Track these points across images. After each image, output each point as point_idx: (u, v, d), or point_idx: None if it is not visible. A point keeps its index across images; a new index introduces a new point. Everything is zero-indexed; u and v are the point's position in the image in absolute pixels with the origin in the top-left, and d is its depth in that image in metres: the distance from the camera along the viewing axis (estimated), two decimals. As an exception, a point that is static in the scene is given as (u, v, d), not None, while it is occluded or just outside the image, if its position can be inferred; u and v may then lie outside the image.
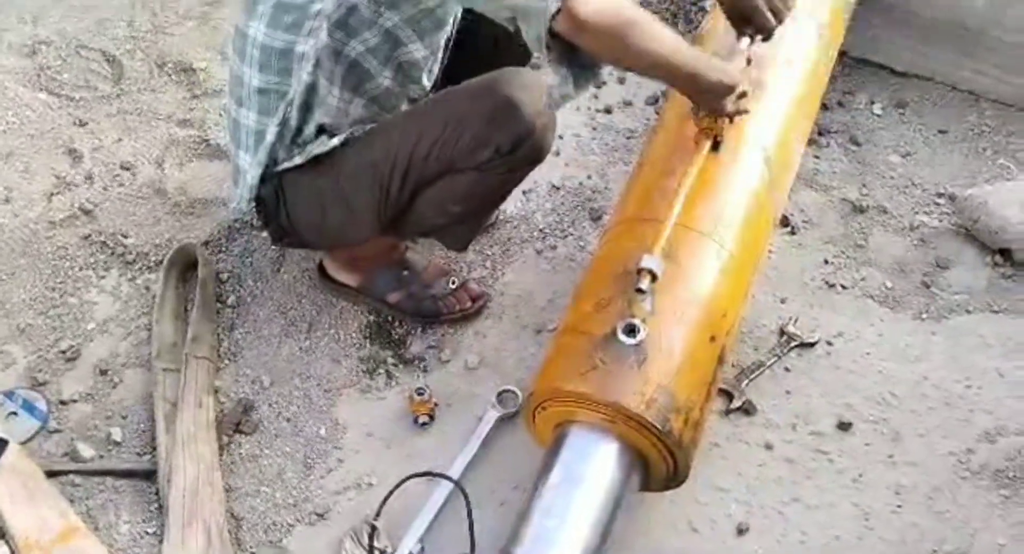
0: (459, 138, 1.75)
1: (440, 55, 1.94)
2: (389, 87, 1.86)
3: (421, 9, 1.75)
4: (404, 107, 1.92)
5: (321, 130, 1.84)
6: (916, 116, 2.59)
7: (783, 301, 2.20)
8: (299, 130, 1.84)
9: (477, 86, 1.77)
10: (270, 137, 1.82)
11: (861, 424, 1.99)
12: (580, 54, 1.62)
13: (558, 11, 1.49)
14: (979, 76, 2.60)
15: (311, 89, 1.78)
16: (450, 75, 1.98)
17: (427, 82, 1.94)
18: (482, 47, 2.03)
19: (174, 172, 2.45)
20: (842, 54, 2.46)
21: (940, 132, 2.55)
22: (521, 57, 2.10)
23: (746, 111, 1.79)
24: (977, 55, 2.56)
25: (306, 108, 1.81)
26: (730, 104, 1.74)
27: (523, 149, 1.77)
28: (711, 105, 1.75)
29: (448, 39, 1.93)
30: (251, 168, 1.87)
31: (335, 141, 1.82)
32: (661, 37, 1.60)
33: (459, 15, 1.93)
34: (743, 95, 1.75)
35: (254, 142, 1.86)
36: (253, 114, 1.84)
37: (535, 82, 1.74)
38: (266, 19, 1.74)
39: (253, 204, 1.93)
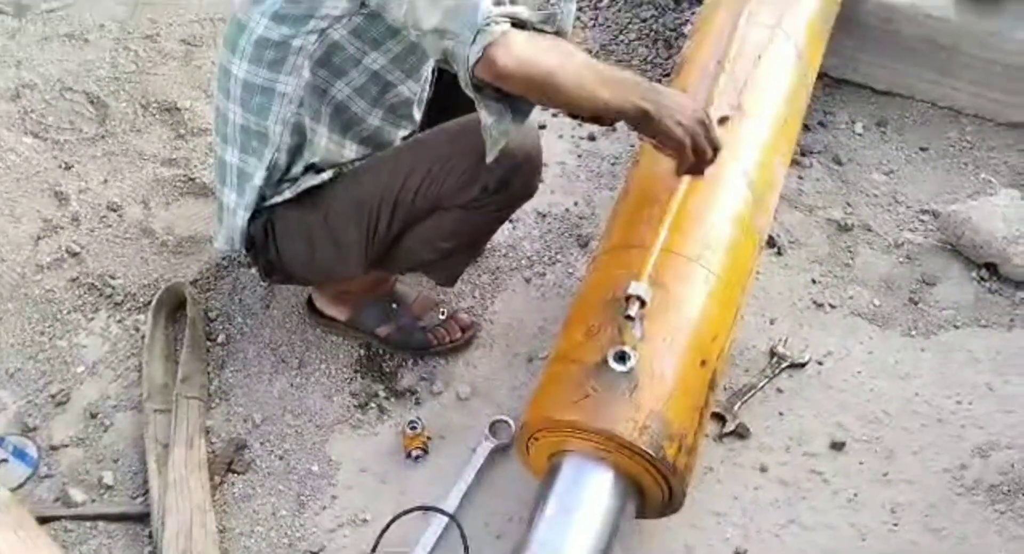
0: (447, 177, 1.76)
1: (427, 86, 1.95)
2: (380, 127, 1.86)
3: (405, 46, 1.75)
4: (397, 143, 1.92)
5: (310, 168, 1.85)
6: (897, 134, 2.61)
7: (772, 322, 2.20)
8: (288, 169, 1.84)
9: (464, 125, 1.78)
10: (257, 181, 1.83)
11: (854, 443, 2.00)
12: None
13: (478, 60, 1.49)
14: (957, 92, 2.63)
15: (298, 130, 1.79)
16: (436, 103, 1.99)
17: (418, 115, 1.95)
18: None
19: (161, 212, 2.45)
20: (822, 75, 2.49)
21: (921, 149, 2.57)
22: None
23: (700, 158, 1.69)
24: (953, 72, 2.60)
25: (296, 151, 1.82)
26: (679, 131, 1.63)
27: (510, 188, 1.79)
28: (653, 131, 1.64)
29: (433, 68, 1.94)
30: (238, 209, 1.87)
31: (325, 175, 1.83)
32: (586, 77, 1.55)
33: None
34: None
35: (238, 180, 1.86)
36: (237, 151, 1.84)
37: (487, 130, 1.75)
38: (248, 55, 1.75)
39: (243, 245, 1.93)
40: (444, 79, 2.01)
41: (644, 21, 2.92)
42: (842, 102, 2.69)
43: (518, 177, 1.77)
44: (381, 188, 1.81)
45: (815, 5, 2.25)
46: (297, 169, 1.84)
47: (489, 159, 1.62)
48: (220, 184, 1.92)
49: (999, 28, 2.49)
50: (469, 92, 1.55)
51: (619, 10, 2.94)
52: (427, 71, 1.90)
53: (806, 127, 2.53)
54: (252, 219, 1.89)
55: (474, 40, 1.47)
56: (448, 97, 2.01)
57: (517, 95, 1.57)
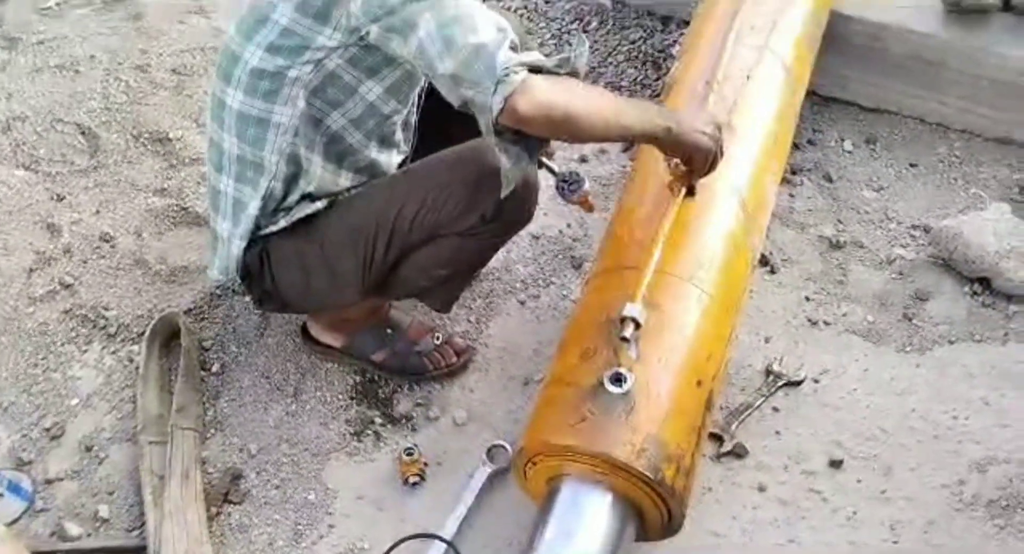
0: (444, 205, 1.77)
1: (415, 109, 1.96)
2: (374, 158, 1.87)
3: (400, 74, 1.77)
4: (391, 172, 1.93)
5: (305, 197, 1.85)
6: (886, 151, 2.63)
7: (767, 340, 2.21)
8: (283, 198, 1.84)
9: (461, 154, 1.80)
10: (252, 210, 1.83)
11: (852, 461, 2.00)
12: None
13: (501, 109, 1.54)
14: (945, 108, 2.65)
15: (293, 160, 1.79)
16: (426, 125, 2.00)
17: (407, 140, 1.96)
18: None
19: (153, 242, 2.45)
20: (810, 93, 2.50)
21: (911, 165, 2.58)
22: None
23: (713, 166, 1.80)
24: (941, 88, 2.61)
25: (291, 180, 1.82)
26: (705, 139, 1.75)
27: (507, 216, 1.81)
28: (675, 152, 1.76)
29: (421, 89, 1.95)
30: (233, 238, 1.87)
31: (319, 204, 1.83)
32: (603, 114, 1.64)
33: None
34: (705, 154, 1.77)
35: (232, 209, 1.86)
36: (231, 180, 1.84)
37: (518, 150, 1.77)
38: (243, 86, 1.75)
39: (238, 274, 1.92)
40: (432, 103, 2.02)
41: (633, 43, 2.94)
42: (831, 120, 2.71)
43: (515, 205, 1.79)
44: (377, 216, 1.81)
45: (802, 25, 2.27)
46: (293, 198, 1.84)
47: (503, 195, 1.68)
48: (214, 213, 1.92)
49: (985, 44, 2.51)
50: (489, 138, 1.60)
51: (608, 33, 2.96)
52: (415, 94, 1.90)
53: (796, 145, 2.54)
54: (247, 248, 1.89)
55: (495, 90, 1.53)
56: (438, 120, 2.02)
57: (531, 137, 1.63)
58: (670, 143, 1.72)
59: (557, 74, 1.60)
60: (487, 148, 1.75)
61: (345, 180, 1.86)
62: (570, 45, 2.88)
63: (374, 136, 1.84)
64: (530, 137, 1.64)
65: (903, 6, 2.61)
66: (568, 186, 1.94)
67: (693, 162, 1.77)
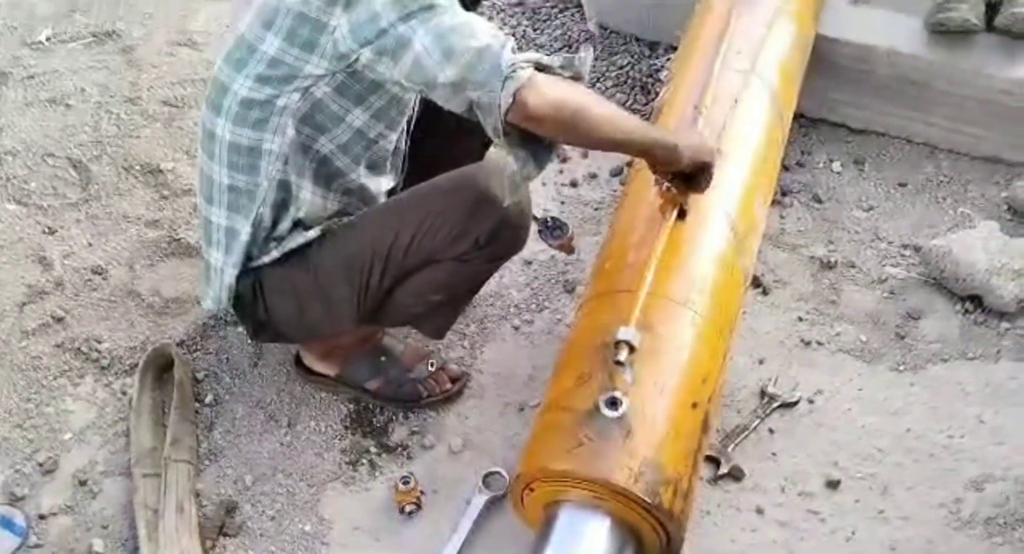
0: (438, 231, 1.78)
1: (405, 137, 1.97)
2: (363, 183, 1.88)
3: (386, 100, 1.78)
4: (380, 197, 1.94)
5: (296, 225, 1.86)
6: (875, 171, 2.64)
7: (761, 362, 2.21)
8: (274, 226, 1.85)
9: (455, 179, 1.81)
10: (244, 237, 1.83)
11: (849, 481, 1.99)
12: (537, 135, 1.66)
13: (511, 105, 1.55)
14: (931, 128, 2.67)
15: (283, 186, 1.80)
16: (416, 153, 2.01)
17: (398, 166, 1.96)
18: (448, 119, 2.07)
19: (146, 273, 2.44)
20: (798, 115, 2.52)
21: (900, 185, 2.60)
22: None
23: (707, 183, 1.82)
24: (927, 108, 2.63)
25: (281, 206, 1.82)
26: (705, 153, 1.78)
27: (501, 240, 1.81)
28: (671, 169, 1.78)
29: (410, 118, 1.96)
30: (226, 267, 1.87)
31: (311, 233, 1.84)
32: (610, 117, 1.66)
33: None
34: (705, 168, 1.79)
35: (225, 239, 1.86)
36: (223, 211, 1.85)
37: (511, 174, 1.78)
38: (232, 116, 1.76)
39: (230, 304, 1.92)
40: (424, 130, 2.03)
41: (621, 68, 2.96)
42: (819, 142, 2.72)
43: (509, 229, 1.80)
44: (372, 244, 1.81)
45: (787, 48, 2.29)
46: (284, 226, 1.84)
47: (507, 203, 1.71)
48: (207, 245, 1.92)
49: (971, 64, 2.53)
50: (497, 138, 1.61)
51: (596, 58, 2.97)
52: (403, 121, 1.92)
53: (785, 167, 2.55)
54: (240, 279, 1.88)
55: (503, 87, 1.54)
56: (429, 148, 2.03)
57: (538, 142, 1.64)
58: (672, 158, 1.73)
59: (561, 76, 1.61)
60: (481, 173, 1.77)
61: (333, 203, 1.86)
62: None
63: (362, 160, 1.85)
64: (536, 143, 1.65)
65: (888, 28, 2.63)
66: (551, 232, 1.95)
67: (693, 178, 1.78)
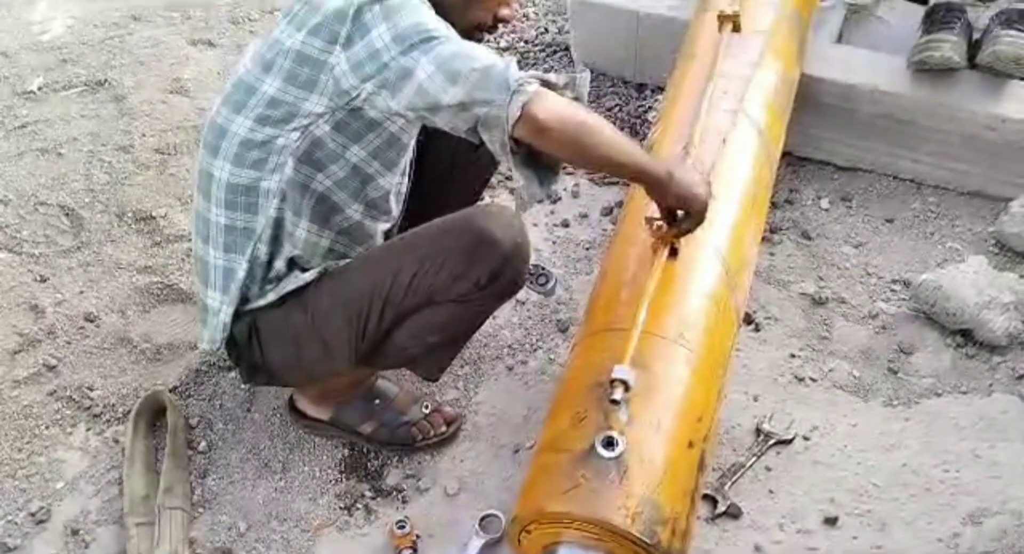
0: (438, 272, 1.78)
1: (406, 179, 1.98)
2: (359, 220, 1.88)
3: (385, 138, 1.80)
4: (377, 238, 1.94)
5: (292, 264, 1.86)
6: (863, 207, 2.67)
7: (756, 399, 2.21)
8: (269, 264, 1.85)
9: (454, 222, 1.82)
10: (241, 273, 1.83)
11: (846, 517, 1.99)
12: (542, 155, 1.69)
13: (518, 118, 1.58)
14: (917, 164, 2.70)
15: (278, 223, 1.81)
16: (410, 197, 2.02)
17: (396, 209, 1.97)
18: (441, 163, 2.09)
19: (138, 320, 2.44)
20: (785, 153, 2.55)
21: (887, 221, 2.62)
22: (480, 170, 2.17)
23: (694, 224, 1.82)
24: (912, 145, 2.67)
25: (275, 241, 1.83)
26: (702, 187, 1.79)
27: (501, 281, 1.81)
28: (662, 198, 1.78)
29: (410, 161, 1.98)
30: (223, 306, 1.87)
31: (308, 276, 1.84)
32: (613, 137, 1.68)
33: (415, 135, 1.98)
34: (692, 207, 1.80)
35: (222, 280, 1.86)
36: (220, 252, 1.85)
37: (510, 218, 1.82)
38: (231, 157, 1.78)
39: (223, 344, 1.92)
40: (418, 174, 2.05)
41: (609, 110, 3.00)
42: (807, 179, 2.75)
43: (508, 270, 1.81)
44: (370, 286, 1.81)
45: (774, 88, 2.32)
46: (279, 264, 1.84)
47: (522, 214, 1.75)
48: (203, 286, 1.91)
49: (954, 101, 2.57)
50: (503, 157, 1.64)
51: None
52: (404, 164, 1.93)
53: (774, 205, 2.58)
54: (235, 321, 1.88)
55: (511, 100, 1.57)
56: (423, 192, 2.04)
57: (542, 163, 1.68)
58: (665, 185, 1.73)
59: (564, 95, 1.65)
60: (480, 216, 1.79)
61: (327, 241, 1.87)
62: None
63: (359, 196, 1.85)
64: (540, 164, 1.68)
65: (871, 67, 2.68)
66: (536, 279, 1.96)
67: (688, 212, 1.79)
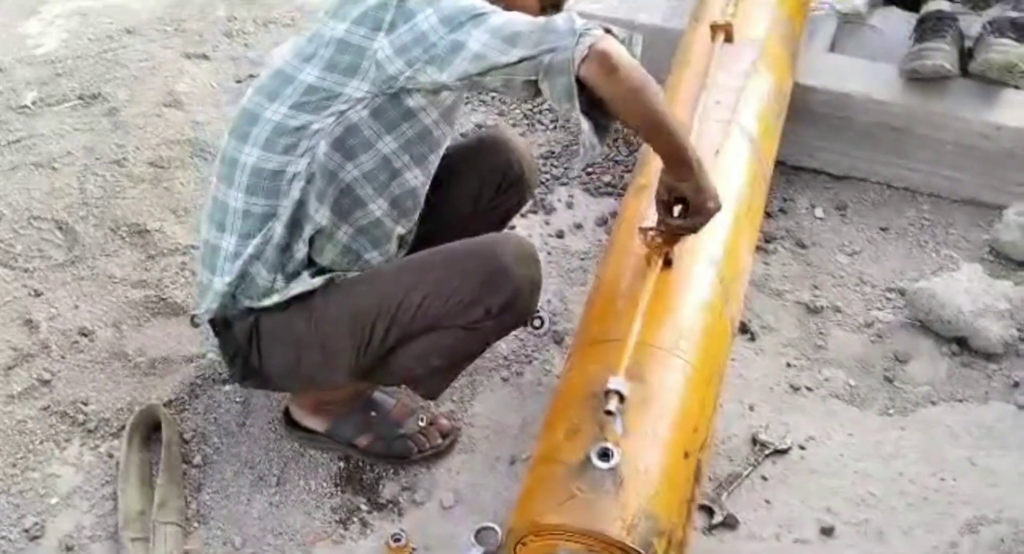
0: (450, 297, 1.78)
1: (427, 187, 1.95)
2: (379, 218, 1.86)
3: (417, 130, 1.80)
4: (392, 242, 1.92)
5: (309, 262, 1.84)
6: (857, 216, 2.67)
7: (751, 408, 2.21)
8: (285, 251, 1.82)
9: (471, 248, 1.82)
10: (251, 249, 1.80)
11: (843, 527, 1.98)
12: (597, 113, 1.68)
13: (586, 56, 1.58)
14: (911, 173, 2.71)
15: (300, 205, 1.79)
16: (428, 217, 2.01)
17: (416, 214, 1.95)
18: (460, 208, 2.10)
19: (132, 334, 2.43)
20: (779, 163, 2.55)
21: (882, 230, 2.63)
22: (497, 221, 2.19)
23: (703, 223, 1.81)
24: (906, 153, 2.68)
25: (294, 225, 1.80)
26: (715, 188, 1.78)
27: (511, 312, 1.82)
28: (683, 189, 1.76)
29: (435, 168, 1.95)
30: (224, 276, 1.83)
31: (316, 281, 1.83)
32: (665, 100, 1.69)
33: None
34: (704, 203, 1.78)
35: (230, 264, 1.83)
36: (235, 238, 1.82)
37: (527, 249, 1.83)
38: (262, 142, 1.77)
39: (217, 313, 1.87)
40: (447, 205, 2.04)
41: (603, 120, 3.00)
42: (801, 188, 2.76)
43: (521, 301, 1.81)
44: (379, 302, 1.81)
45: (766, 98, 2.32)
46: (298, 252, 1.81)
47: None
48: (210, 273, 1.87)
49: (947, 109, 2.58)
50: (567, 103, 1.62)
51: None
52: (433, 166, 1.91)
53: (768, 214, 2.58)
54: (237, 319, 1.86)
55: (577, 42, 1.58)
56: (440, 217, 2.03)
57: (600, 118, 1.67)
58: (694, 172, 1.72)
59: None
60: (498, 245, 1.79)
61: (343, 235, 1.84)
62: (541, 124, 2.96)
63: (385, 192, 1.84)
64: (598, 117, 1.67)
65: (864, 75, 2.69)
66: (531, 320, 1.96)
67: (701, 205, 1.77)
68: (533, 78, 1.63)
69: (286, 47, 1.83)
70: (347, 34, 1.71)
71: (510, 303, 1.79)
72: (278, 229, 1.80)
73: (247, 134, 1.79)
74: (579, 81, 1.60)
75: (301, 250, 1.82)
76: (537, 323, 1.97)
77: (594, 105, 1.65)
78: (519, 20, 1.64)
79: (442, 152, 1.92)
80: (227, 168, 1.83)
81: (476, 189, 2.13)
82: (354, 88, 1.71)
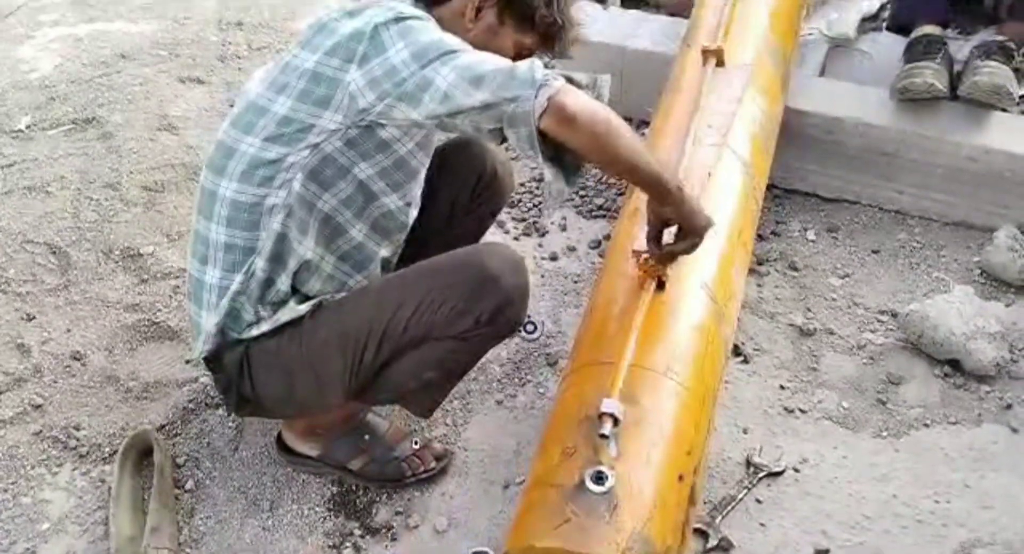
0: (439, 308, 1.78)
1: (413, 210, 1.96)
2: (361, 242, 1.87)
3: (393, 160, 1.81)
4: (375, 265, 1.93)
5: (293, 291, 1.84)
6: (848, 239, 2.69)
7: (745, 431, 2.21)
8: (268, 284, 1.82)
9: (457, 259, 1.83)
10: (235, 286, 1.81)
11: (838, 550, 1.97)
12: (566, 153, 1.68)
13: (545, 109, 1.58)
14: (901, 196, 2.73)
15: (281, 239, 1.79)
16: (410, 237, 2.01)
17: (400, 237, 1.96)
18: (438, 214, 2.10)
19: (125, 358, 2.43)
20: (771, 186, 2.57)
21: (873, 252, 2.64)
22: (479, 221, 2.17)
23: (695, 245, 1.81)
24: (896, 177, 2.70)
25: (276, 260, 1.81)
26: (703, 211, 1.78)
27: (501, 320, 1.82)
28: (670, 216, 1.76)
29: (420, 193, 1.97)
30: (211, 316, 1.84)
31: (303, 308, 1.83)
32: (633, 138, 1.68)
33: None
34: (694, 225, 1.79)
35: (216, 299, 1.84)
36: (218, 271, 1.83)
37: (513, 257, 1.83)
38: (237, 176, 1.77)
39: (209, 353, 1.88)
40: (426, 213, 2.04)
41: (595, 144, 3.01)
42: (793, 211, 2.77)
43: (509, 309, 1.81)
44: (369, 319, 1.81)
45: (758, 122, 2.34)
46: (281, 285, 1.82)
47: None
48: (196, 307, 1.88)
49: (937, 133, 2.61)
50: (530, 151, 1.63)
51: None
52: (414, 193, 1.92)
53: (760, 237, 2.59)
54: (227, 350, 1.87)
55: (537, 94, 1.58)
56: (423, 229, 2.03)
57: (567, 160, 1.67)
58: (677, 201, 1.73)
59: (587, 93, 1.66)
60: (484, 254, 1.80)
61: (327, 265, 1.85)
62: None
63: (363, 216, 1.84)
64: (565, 160, 1.67)
65: (854, 100, 2.71)
66: (524, 327, 1.96)
67: (692, 228, 1.77)
68: (498, 126, 1.64)
69: (257, 78, 1.83)
70: (319, 65, 1.72)
71: (499, 310, 1.80)
72: (260, 263, 1.80)
73: (223, 167, 1.80)
74: (542, 131, 1.61)
75: (285, 283, 1.83)
76: (530, 328, 1.97)
77: (563, 148, 1.66)
78: (487, 61, 1.64)
79: (422, 179, 1.93)
80: (206, 201, 1.84)
81: (453, 193, 2.13)
82: (327, 120, 1.72)
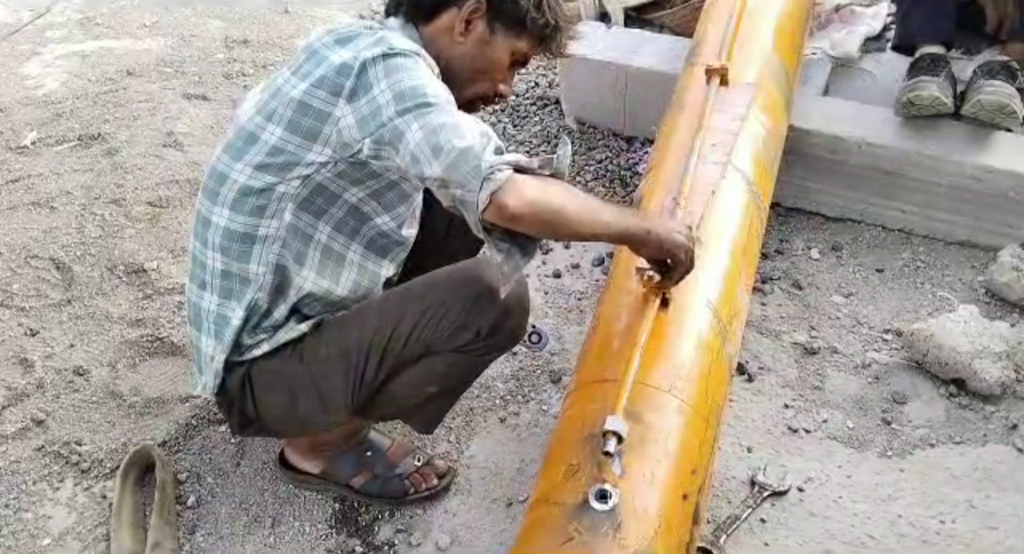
0: (439, 322, 1.78)
1: (414, 231, 1.96)
2: (361, 263, 1.87)
3: (384, 184, 1.80)
4: (378, 287, 1.93)
5: (292, 313, 1.84)
6: (852, 257, 2.68)
7: (749, 450, 2.20)
8: (267, 313, 1.83)
9: (456, 273, 1.83)
10: (236, 322, 1.82)
11: (844, 570, 1.97)
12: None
13: (488, 205, 1.57)
14: (905, 215, 2.73)
15: (279, 270, 1.80)
16: (415, 250, 2.01)
17: (401, 256, 1.96)
18: (438, 220, 2.10)
19: (128, 373, 2.43)
20: (775, 204, 2.57)
21: (877, 271, 2.64)
22: (474, 241, 2.18)
23: (679, 275, 1.81)
24: (900, 196, 2.70)
25: (277, 291, 1.81)
26: (682, 238, 1.77)
27: (502, 332, 1.82)
28: (654, 255, 1.78)
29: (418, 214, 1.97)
30: (216, 353, 1.85)
31: (304, 326, 1.83)
32: (588, 211, 1.66)
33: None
34: (676, 257, 1.79)
35: (215, 326, 1.84)
36: (216, 297, 1.83)
37: (498, 268, 1.80)
38: (229, 203, 1.77)
39: (215, 391, 1.89)
40: (424, 228, 2.04)
41: (600, 162, 3.03)
42: (797, 229, 2.77)
43: (510, 321, 1.81)
44: (370, 335, 1.81)
45: (762, 140, 2.34)
46: (278, 313, 1.83)
47: (502, 295, 1.73)
48: (196, 332, 1.89)
49: (940, 152, 2.61)
50: (480, 235, 1.64)
51: (575, 153, 3.04)
52: (407, 214, 1.91)
53: (764, 255, 2.59)
54: (229, 371, 1.87)
55: (481, 188, 1.56)
56: (422, 244, 2.04)
57: (522, 235, 1.65)
58: (650, 243, 1.73)
59: (541, 175, 1.64)
60: (484, 267, 1.79)
61: (332, 294, 1.85)
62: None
63: (358, 238, 1.85)
64: (520, 235, 1.66)
65: (858, 118, 2.71)
66: (528, 337, 1.96)
67: (674, 261, 1.77)
68: (452, 204, 1.64)
69: (249, 100, 1.84)
70: (307, 96, 1.71)
71: (499, 323, 1.80)
72: (263, 296, 1.81)
73: (216, 194, 1.80)
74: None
75: (283, 312, 1.84)
76: (536, 338, 1.97)
77: None
78: (451, 127, 1.61)
79: (416, 202, 1.93)
80: (201, 227, 1.85)
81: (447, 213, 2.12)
82: (317, 153, 1.71)
